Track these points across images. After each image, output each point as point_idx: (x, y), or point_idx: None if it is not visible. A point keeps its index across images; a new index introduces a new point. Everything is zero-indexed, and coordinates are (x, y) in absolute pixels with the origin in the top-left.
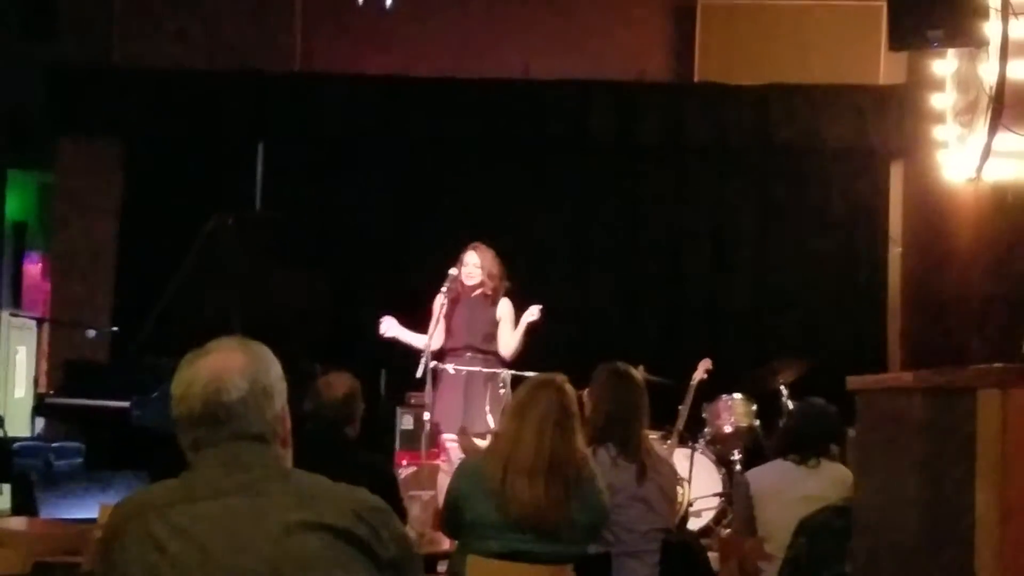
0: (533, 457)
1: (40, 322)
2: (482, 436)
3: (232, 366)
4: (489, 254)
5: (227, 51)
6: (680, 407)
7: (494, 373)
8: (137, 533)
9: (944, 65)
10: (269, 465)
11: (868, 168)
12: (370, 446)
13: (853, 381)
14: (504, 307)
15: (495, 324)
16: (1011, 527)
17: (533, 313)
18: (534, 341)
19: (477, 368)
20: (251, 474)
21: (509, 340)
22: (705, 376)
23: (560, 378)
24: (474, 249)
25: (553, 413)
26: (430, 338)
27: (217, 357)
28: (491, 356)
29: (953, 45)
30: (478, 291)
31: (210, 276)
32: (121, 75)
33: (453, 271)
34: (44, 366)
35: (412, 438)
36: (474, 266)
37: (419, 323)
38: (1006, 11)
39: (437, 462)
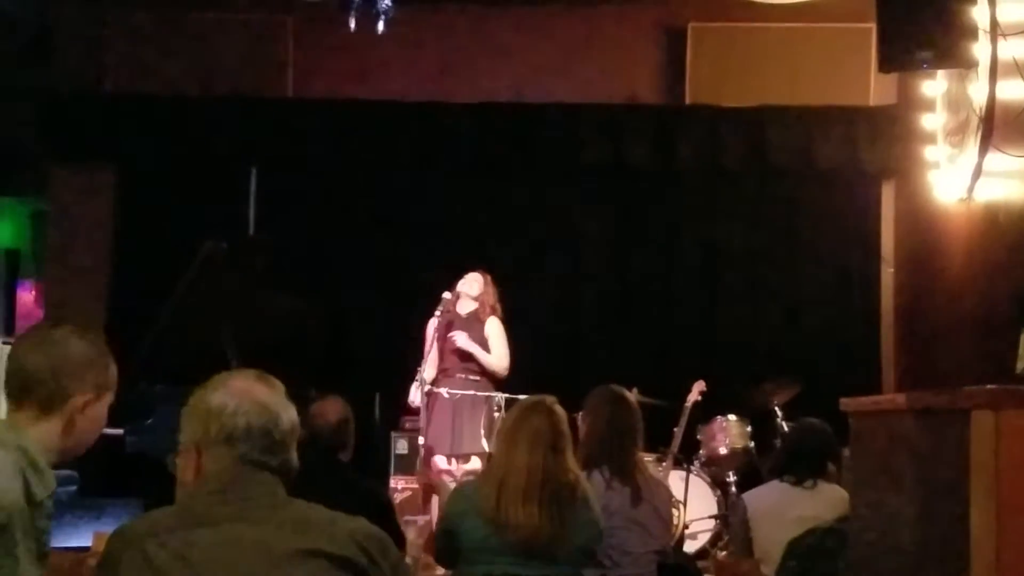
0: (526, 480)
1: None
2: (466, 458)
3: (279, 401)
4: (485, 278)
5: (219, 77)
6: (675, 429)
7: (484, 395)
8: (135, 560)
9: (934, 86)
10: (269, 493)
11: (860, 189)
12: (365, 471)
13: (847, 403)
14: (492, 325)
15: (486, 345)
16: (1005, 546)
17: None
18: (527, 363)
19: (471, 392)
20: (250, 501)
21: (493, 358)
22: (699, 398)
23: (550, 399)
24: (474, 272)
25: (544, 435)
26: (424, 363)
27: (260, 389)
28: (482, 378)
29: (943, 66)
30: (470, 312)
31: (204, 302)
32: (113, 102)
33: (447, 295)
34: None
35: (407, 463)
36: (473, 281)
37: (413, 347)
38: (995, 32)
39: (432, 485)
